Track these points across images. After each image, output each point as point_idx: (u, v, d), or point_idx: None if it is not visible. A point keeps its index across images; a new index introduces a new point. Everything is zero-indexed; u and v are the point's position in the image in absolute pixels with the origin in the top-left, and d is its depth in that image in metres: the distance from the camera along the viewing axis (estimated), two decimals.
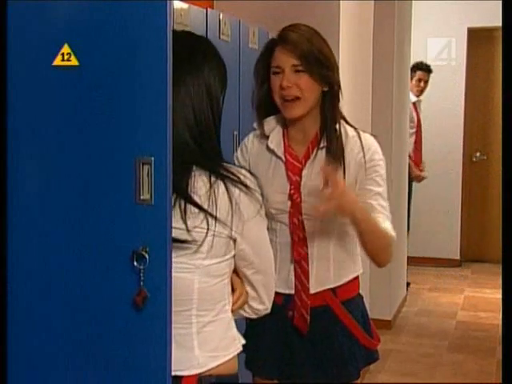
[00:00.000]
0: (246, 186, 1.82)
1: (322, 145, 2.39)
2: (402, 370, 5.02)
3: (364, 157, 2.39)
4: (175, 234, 1.74)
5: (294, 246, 2.38)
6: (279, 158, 2.41)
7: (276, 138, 2.43)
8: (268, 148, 2.43)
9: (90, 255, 1.76)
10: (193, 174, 1.79)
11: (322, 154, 2.39)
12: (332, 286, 2.44)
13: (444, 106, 7.88)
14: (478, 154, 8.19)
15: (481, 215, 8.20)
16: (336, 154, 2.37)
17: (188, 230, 1.76)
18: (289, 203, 2.37)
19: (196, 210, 1.77)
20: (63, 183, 1.77)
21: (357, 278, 2.52)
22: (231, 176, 1.81)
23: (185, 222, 1.76)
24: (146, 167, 1.69)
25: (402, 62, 5.99)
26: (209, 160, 1.83)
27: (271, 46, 2.39)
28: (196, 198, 1.77)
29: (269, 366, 2.48)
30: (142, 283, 1.70)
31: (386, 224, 2.36)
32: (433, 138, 7.75)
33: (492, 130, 8.02)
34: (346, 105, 3.92)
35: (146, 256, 1.69)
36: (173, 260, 1.74)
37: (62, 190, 1.77)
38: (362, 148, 2.40)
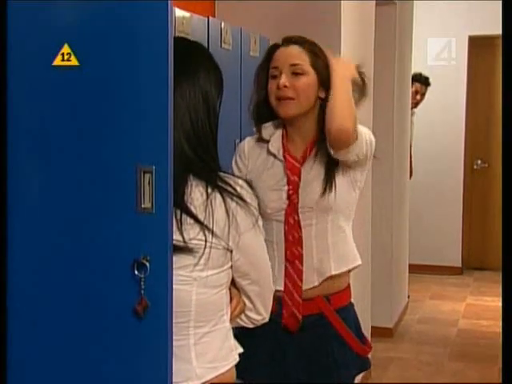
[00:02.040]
0: (241, 198, 1.81)
1: (320, 146, 2.42)
2: (403, 378, 5.01)
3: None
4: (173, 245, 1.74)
5: (288, 245, 2.40)
6: (279, 159, 2.45)
7: (277, 142, 2.47)
8: (269, 152, 2.47)
9: (91, 263, 1.75)
10: (189, 183, 1.79)
11: (320, 155, 2.42)
12: (332, 273, 2.45)
13: (444, 108, 7.85)
14: (479, 162, 8.18)
15: (482, 223, 8.19)
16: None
17: (185, 242, 1.75)
18: (286, 202, 2.39)
19: (192, 221, 1.76)
20: (63, 190, 1.77)
21: (348, 286, 2.55)
22: (228, 188, 1.80)
23: (181, 234, 1.75)
24: (147, 176, 1.69)
25: (403, 64, 6.01)
26: (206, 169, 1.82)
27: (272, 50, 2.45)
28: (192, 209, 1.77)
29: (261, 373, 2.48)
30: (142, 292, 1.70)
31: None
32: (434, 144, 7.75)
33: (493, 137, 8.02)
34: None
35: (147, 265, 1.69)
36: None
37: (62, 196, 1.77)
38: None
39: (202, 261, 1.78)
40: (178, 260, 1.75)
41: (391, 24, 5.57)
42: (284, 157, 2.44)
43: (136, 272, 1.70)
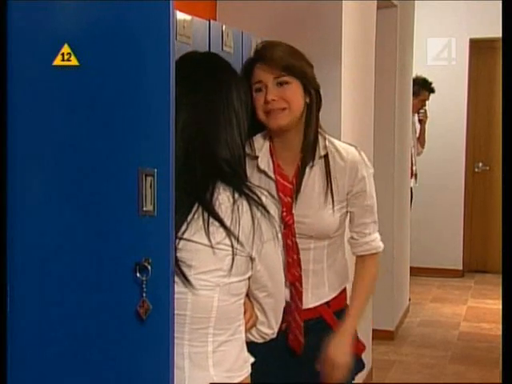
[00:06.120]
0: (266, 209, 1.82)
1: (310, 163, 2.40)
2: (404, 381, 5.00)
3: (350, 175, 2.43)
4: (195, 248, 1.75)
5: (289, 267, 2.38)
6: (270, 178, 2.41)
7: (265, 158, 2.43)
8: (258, 168, 2.43)
9: (93, 266, 1.75)
10: (217, 187, 1.80)
11: (311, 172, 2.40)
12: (328, 299, 2.48)
13: (445, 109, 7.83)
14: (480, 165, 8.18)
15: (483, 226, 8.19)
16: (324, 171, 2.41)
17: (211, 246, 1.76)
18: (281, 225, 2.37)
19: (217, 224, 1.77)
20: (64, 191, 1.77)
21: (345, 288, 2.56)
22: (254, 197, 1.82)
23: (208, 236, 1.75)
24: (148, 179, 1.68)
25: (404, 65, 6.02)
26: (234, 176, 1.84)
27: (250, 66, 2.38)
28: (219, 212, 1.77)
29: (262, 377, 2.47)
30: (144, 295, 1.70)
31: (375, 235, 2.53)
32: (434, 146, 7.72)
33: (495, 139, 8.01)
34: (347, 108, 3.94)
35: (149, 268, 1.69)
36: (193, 277, 1.75)
37: (63, 198, 1.77)
38: (346, 164, 2.43)
39: (227, 266, 1.78)
40: (203, 264, 1.76)
41: (392, 26, 5.57)
42: (275, 177, 2.40)
43: (138, 275, 1.70)
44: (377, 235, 2.54)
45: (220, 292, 1.79)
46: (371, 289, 2.60)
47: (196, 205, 1.77)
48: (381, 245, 2.54)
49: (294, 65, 2.34)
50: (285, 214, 2.36)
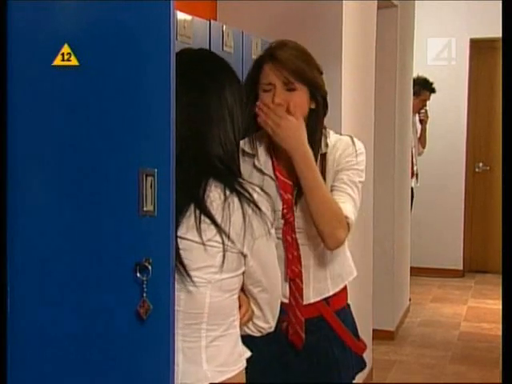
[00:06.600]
0: (257, 206, 1.83)
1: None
2: (404, 381, 5.00)
3: (337, 166, 2.41)
4: (189, 246, 1.76)
5: (288, 263, 2.38)
6: (269, 176, 2.41)
7: (263, 156, 2.43)
8: (255, 167, 2.42)
9: (93, 266, 1.75)
10: (209, 184, 1.80)
11: None
12: (330, 294, 2.47)
13: (445, 109, 7.83)
14: (480, 165, 8.17)
15: (484, 226, 8.19)
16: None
17: (203, 243, 1.76)
18: (282, 222, 2.37)
19: (209, 221, 1.77)
20: (64, 191, 1.77)
21: (346, 287, 2.55)
22: (245, 194, 1.82)
23: (199, 233, 1.76)
24: (149, 179, 1.68)
25: (404, 66, 6.03)
26: (226, 173, 1.84)
27: (260, 64, 2.38)
28: (210, 209, 1.78)
29: (262, 377, 2.47)
30: (145, 295, 1.70)
31: (345, 205, 2.33)
32: (434, 146, 7.72)
33: (495, 139, 8.01)
34: (348, 108, 3.95)
35: (149, 268, 1.69)
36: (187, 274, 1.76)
37: (64, 198, 1.77)
38: (337, 152, 2.42)
39: (218, 263, 1.79)
40: (195, 261, 1.77)
41: (392, 26, 5.58)
42: (275, 175, 2.40)
43: (138, 275, 1.70)
44: (351, 209, 2.34)
45: (212, 288, 1.80)
46: (330, 202, 2.32)
47: (189, 202, 1.78)
48: (351, 216, 2.33)
49: (304, 71, 2.34)
50: (285, 211, 2.36)
